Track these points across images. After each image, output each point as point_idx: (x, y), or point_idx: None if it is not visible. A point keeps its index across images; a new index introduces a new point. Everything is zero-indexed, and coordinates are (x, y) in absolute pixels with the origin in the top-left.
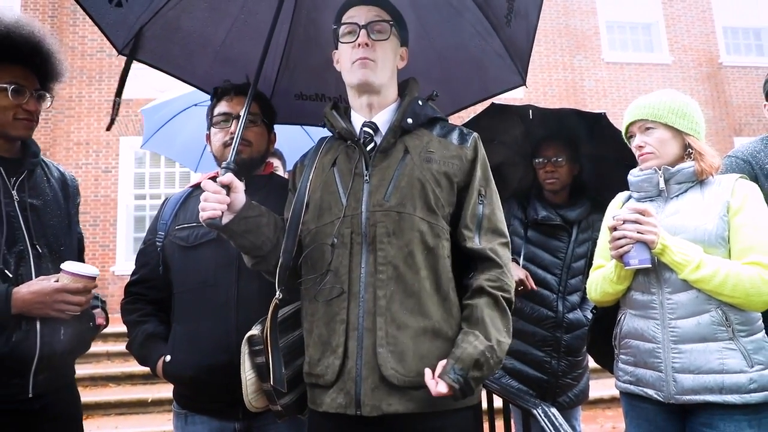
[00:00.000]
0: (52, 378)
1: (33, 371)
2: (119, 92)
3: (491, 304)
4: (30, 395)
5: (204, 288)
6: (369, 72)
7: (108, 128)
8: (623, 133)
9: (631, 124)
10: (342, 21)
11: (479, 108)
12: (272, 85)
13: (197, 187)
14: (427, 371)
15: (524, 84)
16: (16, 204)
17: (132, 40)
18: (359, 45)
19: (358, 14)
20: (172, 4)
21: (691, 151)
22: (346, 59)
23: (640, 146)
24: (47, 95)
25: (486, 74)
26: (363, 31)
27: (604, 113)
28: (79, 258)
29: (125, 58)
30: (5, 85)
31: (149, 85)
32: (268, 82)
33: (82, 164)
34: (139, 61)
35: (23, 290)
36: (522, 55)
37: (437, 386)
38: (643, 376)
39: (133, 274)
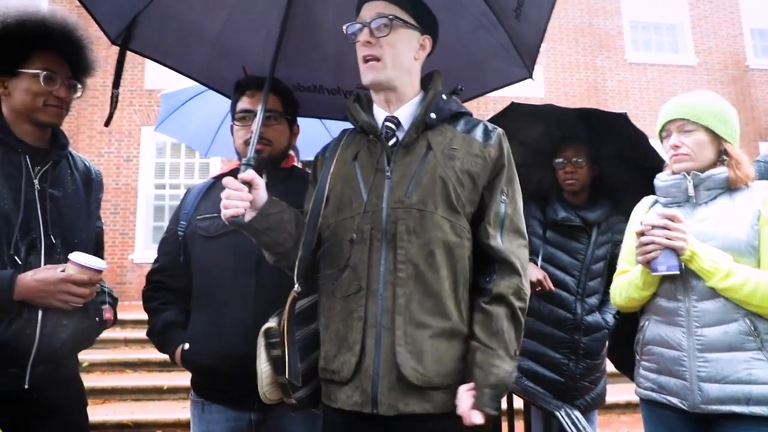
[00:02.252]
0: (51, 370)
1: (31, 362)
2: (116, 84)
3: (510, 315)
4: (26, 386)
5: (223, 278)
6: (375, 72)
7: (106, 123)
8: (658, 131)
9: (670, 122)
10: (354, 21)
11: (498, 106)
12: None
13: (220, 178)
14: (461, 399)
15: (531, 77)
16: (36, 193)
17: (125, 29)
18: (363, 43)
19: (365, 11)
20: None
21: (725, 158)
22: (359, 57)
23: (677, 146)
24: (78, 85)
25: (491, 66)
26: (366, 29)
27: (626, 113)
28: (97, 252)
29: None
30: (38, 71)
31: (171, 74)
32: (264, 73)
33: (104, 153)
34: (133, 51)
35: (28, 277)
36: (530, 49)
37: (473, 417)
38: (666, 383)
39: (155, 262)
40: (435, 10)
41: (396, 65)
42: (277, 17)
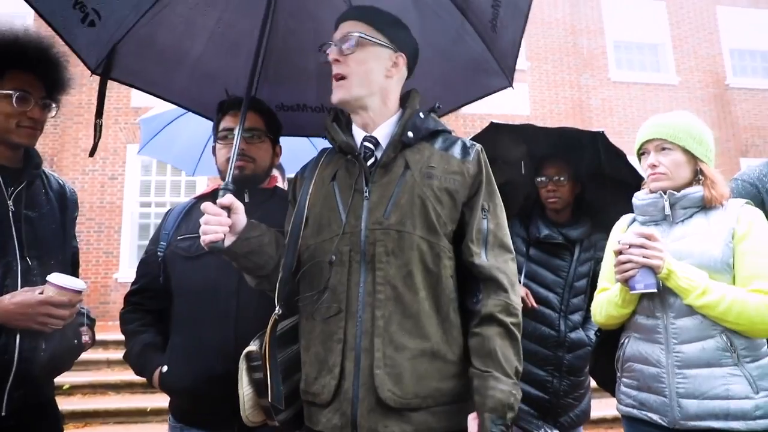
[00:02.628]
0: (30, 395)
1: (8, 387)
2: (99, 113)
3: (502, 333)
4: (3, 413)
5: (204, 298)
6: (341, 90)
7: (91, 154)
8: (636, 149)
9: (648, 141)
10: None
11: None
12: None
13: (201, 198)
14: (469, 427)
15: (511, 86)
16: (10, 215)
17: (105, 59)
18: (333, 61)
19: (338, 31)
20: (145, 20)
21: (701, 177)
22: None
23: (654, 165)
24: (53, 104)
25: (471, 78)
26: (334, 47)
27: (602, 131)
28: (73, 272)
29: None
30: (10, 92)
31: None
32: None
33: (89, 171)
34: (114, 80)
35: (6, 300)
36: (508, 59)
37: None
38: (646, 400)
39: (134, 283)
40: (412, 24)
41: (363, 83)
42: (256, 38)
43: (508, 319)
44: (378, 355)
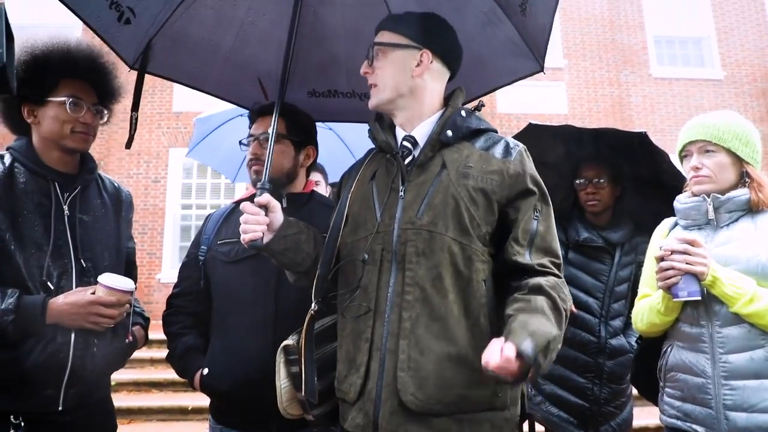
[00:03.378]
0: (84, 392)
1: (65, 384)
2: (135, 107)
3: (551, 305)
4: (60, 408)
5: (243, 303)
6: (373, 97)
7: (127, 146)
8: (678, 151)
9: (690, 143)
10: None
11: (521, 124)
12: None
13: (240, 203)
14: (489, 347)
15: (542, 71)
16: (66, 219)
17: (141, 54)
18: (366, 73)
19: (377, 38)
20: (178, 14)
21: (747, 180)
22: None
23: (697, 167)
24: (104, 111)
25: (503, 61)
26: (365, 62)
27: (645, 132)
28: (129, 272)
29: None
30: (64, 99)
31: (198, 97)
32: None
33: (133, 174)
34: (151, 73)
35: (59, 300)
36: (539, 43)
37: (505, 350)
38: (691, 411)
39: (176, 286)
40: (446, 10)
41: (389, 87)
42: (286, 26)
43: (559, 295)
44: (402, 357)
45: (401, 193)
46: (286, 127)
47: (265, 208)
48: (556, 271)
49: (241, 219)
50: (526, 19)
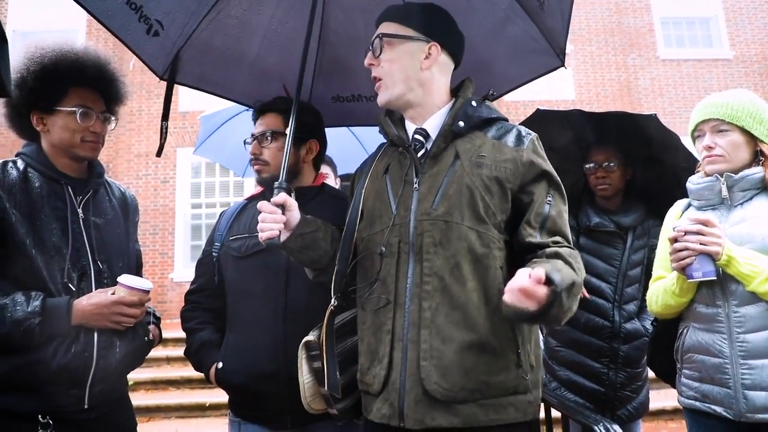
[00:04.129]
0: (107, 390)
1: (90, 382)
2: (165, 116)
3: (569, 267)
4: (86, 406)
5: (253, 298)
6: (381, 93)
7: (158, 154)
8: (690, 131)
9: (703, 122)
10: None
11: (528, 110)
12: (309, 91)
13: (252, 199)
14: (516, 275)
15: (563, 65)
16: (81, 222)
17: (170, 65)
18: (368, 65)
19: (381, 29)
20: (204, 25)
21: (761, 159)
22: None
23: (710, 147)
24: (112, 117)
25: (523, 58)
26: (369, 53)
27: (655, 114)
28: (138, 273)
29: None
30: (74, 109)
31: (204, 96)
32: (305, 88)
33: (142, 175)
34: (180, 84)
35: (84, 302)
36: (558, 38)
37: (533, 274)
38: (709, 392)
39: (192, 283)
40: (455, 8)
41: (399, 81)
42: (312, 33)
43: (575, 263)
44: (425, 347)
45: (416, 185)
46: (283, 124)
47: (281, 207)
48: (570, 246)
49: (259, 218)
50: (545, 14)
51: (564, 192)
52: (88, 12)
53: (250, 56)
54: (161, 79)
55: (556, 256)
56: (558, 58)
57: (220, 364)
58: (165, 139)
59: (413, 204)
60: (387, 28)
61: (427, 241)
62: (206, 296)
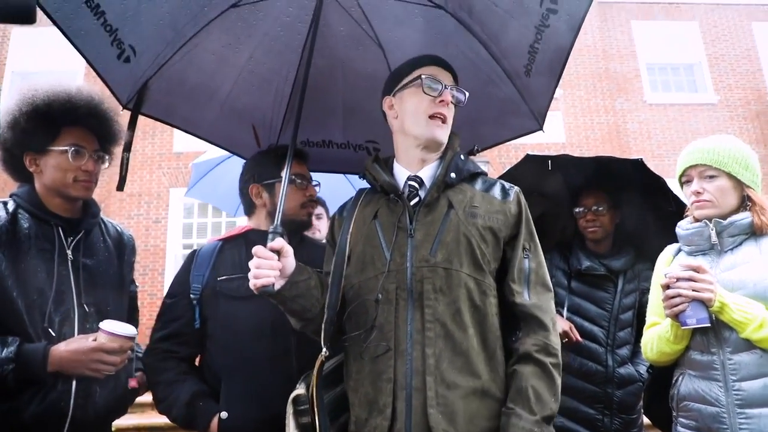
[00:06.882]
0: None
1: None
2: (127, 148)
3: (538, 373)
4: None
5: (261, 338)
6: (442, 132)
7: (119, 188)
8: (678, 176)
9: (691, 167)
10: (421, 74)
11: (519, 153)
12: (278, 134)
13: (227, 241)
14: None
15: (541, 129)
16: (69, 264)
17: (135, 94)
18: (443, 102)
19: (440, 74)
20: (178, 56)
21: (748, 204)
22: (419, 110)
23: (698, 192)
24: (106, 156)
25: (501, 119)
26: (448, 91)
27: (641, 159)
28: (132, 315)
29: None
30: (66, 148)
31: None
32: (274, 130)
33: (134, 215)
34: (144, 114)
35: (61, 348)
36: (540, 103)
37: None
38: None
39: (161, 329)
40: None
41: (449, 131)
42: (286, 75)
43: (547, 359)
44: (431, 394)
45: (410, 232)
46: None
47: (277, 253)
48: (550, 311)
49: (252, 264)
50: (530, 80)
51: (538, 241)
52: (58, 28)
53: (222, 94)
54: (124, 108)
55: (527, 359)
56: (537, 122)
57: (224, 414)
58: (126, 171)
59: (409, 251)
60: (450, 78)
61: (428, 288)
62: (180, 343)
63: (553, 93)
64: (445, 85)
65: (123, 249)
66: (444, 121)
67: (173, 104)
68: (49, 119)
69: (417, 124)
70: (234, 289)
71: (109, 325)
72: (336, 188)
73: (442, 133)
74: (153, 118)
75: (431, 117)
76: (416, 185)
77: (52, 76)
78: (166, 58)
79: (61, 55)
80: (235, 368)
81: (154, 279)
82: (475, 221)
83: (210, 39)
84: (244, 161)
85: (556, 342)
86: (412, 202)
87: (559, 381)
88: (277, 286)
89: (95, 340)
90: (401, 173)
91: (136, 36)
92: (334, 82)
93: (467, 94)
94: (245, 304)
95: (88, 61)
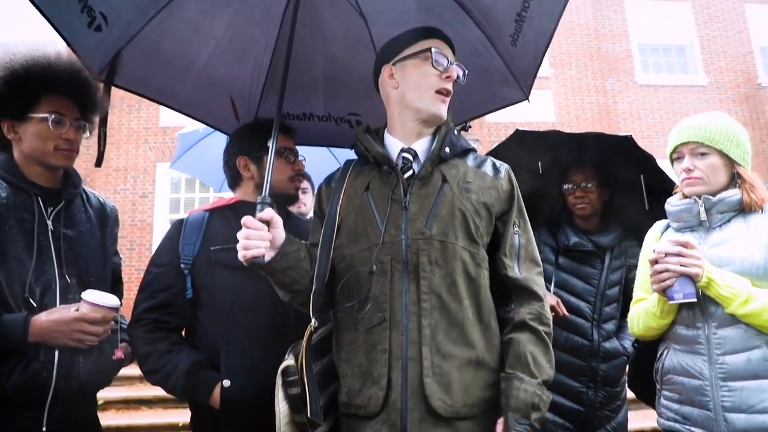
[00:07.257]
0: (69, 412)
1: (48, 404)
2: (103, 122)
3: (533, 339)
4: (44, 429)
5: (259, 309)
6: (445, 107)
7: (97, 164)
8: (668, 153)
9: (682, 144)
10: (431, 46)
11: (508, 131)
12: (257, 106)
13: (215, 211)
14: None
15: (527, 99)
16: (50, 234)
17: (107, 65)
18: (449, 78)
19: (444, 49)
20: (152, 25)
21: (738, 181)
22: (425, 84)
23: (689, 169)
24: (87, 125)
25: (486, 89)
26: (453, 67)
27: (630, 135)
28: (116, 287)
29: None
30: (46, 115)
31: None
32: (252, 103)
33: (120, 190)
34: (118, 87)
35: (42, 318)
36: (526, 73)
37: None
38: (689, 414)
39: (149, 298)
40: None
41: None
42: (265, 45)
43: (541, 327)
44: (426, 364)
45: (405, 205)
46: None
47: (267, 223)
48: (541, 285)
49: (241, 234)
50: (516, 49)
51: (527, 217)
52: None
53: (198, 64)
54: (96, 79)
55: (523, 327)
56: (522, 92)
57: (227, 382)
58: (104, 146)
59: (403, 223)
60: (452, 53)
61: (423, 260)
62: (170, 314)
63: (540, 63)
64: (450, 61)
65: (105, 220)
66: (447, 95)
67: (148, 75)
68: (28, 85)
69: (421, 98)
70: (232, 259)
71: (91, 295)
72: (320, 162)
73: (445, 108)
74: (127, 90)
75: (438, 92)
76: (410, 157)
77: (31, 45)
78: (140, 27)
79: (42, 25)
80: (230, 338)
81: (141, 254)
82: (469, 196)
83: (185, 6)
84: (228, 135)
85: (548, 313)
86: (405, 175)
87: (551, 350)
88: (267, 258)
89: (77, 310)
90: (394, 145)
91: (108, 3)
92: (314, 53)
93: (466, 71)
94: (243, 275)
95: (56, 29)
